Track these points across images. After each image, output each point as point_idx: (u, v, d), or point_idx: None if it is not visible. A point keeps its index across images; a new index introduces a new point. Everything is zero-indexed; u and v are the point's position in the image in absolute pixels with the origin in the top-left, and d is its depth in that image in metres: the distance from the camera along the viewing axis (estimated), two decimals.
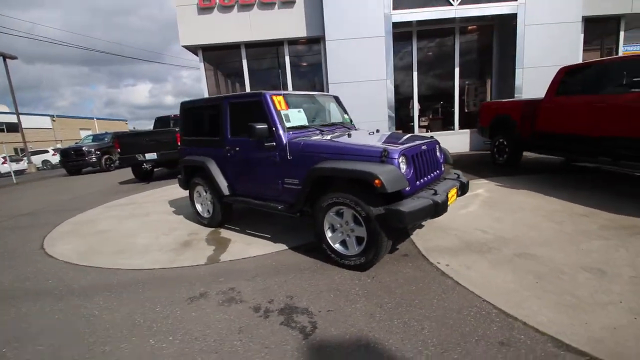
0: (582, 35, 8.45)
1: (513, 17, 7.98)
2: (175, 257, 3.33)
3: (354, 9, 7.84)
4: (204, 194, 4.21)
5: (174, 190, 7.04)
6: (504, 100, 7.03)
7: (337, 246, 2.83)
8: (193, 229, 4.20)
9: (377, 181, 2.39)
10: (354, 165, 2.61)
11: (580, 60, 8.34)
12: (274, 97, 3.34)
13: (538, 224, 3.41)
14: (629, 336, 1.74)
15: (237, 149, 3.62)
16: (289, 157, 3.14)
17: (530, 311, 2.01)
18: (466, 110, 9.33)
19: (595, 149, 4.51)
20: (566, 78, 5.16)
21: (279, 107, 3.32)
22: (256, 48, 8.91)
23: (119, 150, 8.20)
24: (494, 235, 3.22)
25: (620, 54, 8.86)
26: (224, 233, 3.97)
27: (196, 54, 8.89)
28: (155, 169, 8.93)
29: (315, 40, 8.82)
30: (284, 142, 3.17)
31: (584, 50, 8.78)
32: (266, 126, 3.18)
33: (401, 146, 2.72)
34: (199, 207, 4.34)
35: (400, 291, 2.37)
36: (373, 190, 2.51)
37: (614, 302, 2.04)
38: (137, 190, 7.50)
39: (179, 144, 7.60)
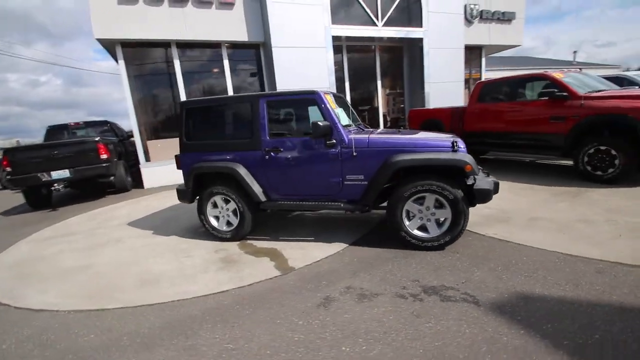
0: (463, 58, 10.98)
1: (420, 40, 9.74)
2: (236, 275, 2.93)
3: (298, 20, 8.07)
4: (223, 204, 3.74)
5: (119, 210, 5.76)
6: (431, 107, 8.52)
7: (415, 232, 3.10)
8: (216, 246, 3.67)
9: (468, 167, 2.82)
10: (437, 155, 2.95)
11: (463, 78, 10.81)
12: (327, 96, 3.35)
13: (513, 198, 4.46)
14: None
15: (281, 150, 3.42)
16: (354, 154, 3.22)
17: (580, 250, 2.75)
18: (388, 118, 10.76)
19: (509, 142, 6.13)
20: (483, 90, 6.76)
21: (332, 106, 3.35)
22: (191, 48, 8.08)
23: (8, 169, 6.04)
24: (497, 210, 4.05)
25: (484, 76, 11.94)
26: (258, 244, 3.65)
27: (113, 50, 7.41)
28: (56, 191, 6.91)
29: (255, 46, 8.63)
30: (347, 139, 3.23)
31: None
32: (329, 124, 3.18)
33: (456, 138, 3.21)
34: (213, 221, 3.81)
35: (492, 257, 2.82)
36: (452, 176, 2.92)
37: (615, 236, 3.00)
38: (51, 220, 5.74)
39: (104, 155, 6.34)
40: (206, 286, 2.77)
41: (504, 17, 11.63)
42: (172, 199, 6.24)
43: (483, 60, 12.05)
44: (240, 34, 8.07)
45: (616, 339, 1.74)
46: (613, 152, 4.66)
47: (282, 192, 3.57)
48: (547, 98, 5.47)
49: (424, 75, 9.92)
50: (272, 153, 3.46)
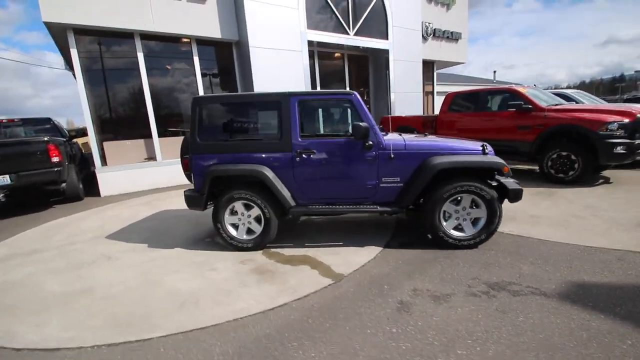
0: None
1: (386, 52, 10.25)
2: (283, 286, 2.69)
3: (275, 21, 7.86)
4: (244, 210, 3.43)
5: (85, 222, 4.90)
6: (404, 115, 8.97)
7: (452, 232, 3.21)
8: (237, 257, 3.33)
9: (505, 168, 3.03)
10: (474, 157, 3.11)
11: (422, 89, 11.65)
12: (360, 98, 3.31)
13: None
14: None
15: (314, 151, 3.26)
16: (391, 156, 3.22)
17: (591, 242, 3.14)
18: None
19: None
20: (454, 100, 7.36)
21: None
22: (157, 42, 7.30)
23: None
24: None
25: (436, 88, 13.03)
26: (285, 251, 3.41)
27: (62, 38, 6.32)
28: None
29: (227, 45, 8.16)
30: (384, 142, 3.23)
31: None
32: (368, 126, 3.14)
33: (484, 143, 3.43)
34: (231, 229, 3.46)
35: (525, 252, 3.05)
36: (486, 177, 3.12)
37: (608, 228, 3.48)
38: None
39: (55, 158, 5.39)
40: (257, 301, 2.48)
41: (452, 37, 12.89)
42: (147, 208, 5.57)
43: (435, 74, 13.15)
44: (213, 31, 7.59)
45: None
46: (573, 157, 5.44)
47: (312, 196, 3.40)
48: (514, 110, 6.17)
49: (390, 84, 10.44)
50: (303, 155, 3.28)
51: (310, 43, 8.83)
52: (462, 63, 13.75)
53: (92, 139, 6.68)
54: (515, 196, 3.10)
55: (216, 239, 3.92)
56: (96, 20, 6.29)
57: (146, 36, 7.05)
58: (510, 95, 6.42)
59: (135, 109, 7.34)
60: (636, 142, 5.13)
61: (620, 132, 5.14)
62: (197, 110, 3.40)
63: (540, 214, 4.06)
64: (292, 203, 3.34)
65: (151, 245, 3.83)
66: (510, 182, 3.19)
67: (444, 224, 3.20)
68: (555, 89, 15.89)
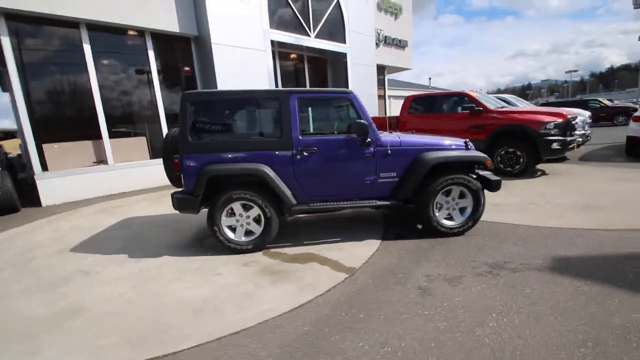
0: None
1: (344, 55, 10.59)
2: (301, 284, 2.68)
3: (238, 18, 7.63)
4: (242, 211, 3.30)
5: (37, 234, 4.25)
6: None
7: (444, 221, 3.48)
8: (237, 259, 3.21)
9: (488, 162, 3.39)
10: (462, 152, 3.42)
11: (376, 92, 12.24)
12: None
13: None
14: (608, 217, 3.75)
15: (314, 149, 3.28)
16: (388, 153, 3.39)
17: (554, 223, 3.65)
18: None
19: None
20: (413, 103, 7.91)
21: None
22: (107, 33, 6.57)
23: None
24: None
25: (388, 92, 13.78)
26: (287, 251, 3.38)
27: None
28: None
29: (186, 40, 7.69)
30: (382, 139, 3.38)
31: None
32: (367, 123, 3.26)
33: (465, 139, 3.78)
34: (228, 232, 3.30)
35: (506, 235, 3.44)
36: (471, 169, 3.47)
37: (562, 212, 4.09)
38: None
39: None
40: (281, 301, 2.43)
41: (400, 44, 13.79)
42: (107, 216, 5.03)
43: (386, 78, 13.91)
44: (169, 24, 7.11)
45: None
46: (518, 152, 6.24)
47: (312, 194, 3.42)
48: (468, 111, 6.85)
49: (348, 87, 10.79)
50: (304, 153, 3.28)
51: (272, 43, 8.75)
52: (409, 69, 14.79)
53: (29, 141, 5.78)
54: (497, 186, 3.48)
55: (204, 243, 3.72)
56: (34, 5, 5.48)
57: (94, 26, 6.33)
58: (463, 99, 7.12)
59: (81, 107, 6.53)
60: (568, 139, 6.08)
61: (555, 131, 6.04)
62: (188, 106, 3.19)
63: (501, 203, 4.58)
64: (294, 201, 3.32)
65: (132, 255, 3.48)
66: (489, 174, 3.58)
67: (437, 214, 3.46)
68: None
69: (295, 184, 3.33)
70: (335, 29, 10.22)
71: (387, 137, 3.45)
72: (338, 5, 10.09)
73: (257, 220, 3.35)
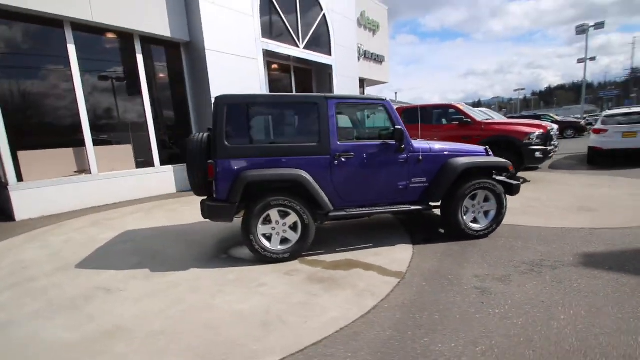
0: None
1: (329, 67, 10.79)
2: (357, 291, 2.62)
3: (231, 26, 7.50)
4: (278, 218, 3.19)
5: (23, 251, 3.77)
6: None
7: (471, 224, 3.62)
8: (274, 269, 3.07)
9: (510, 167, 3.60)
10: (482, 159, 3.61)
11: None
12: None
13: None
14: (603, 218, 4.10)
15: (352, 154, 3.28)
16: (419, 158, 3.48)
17: (560, 224, 3.96)
18: None
19: None
20: (404, 114, 8.23)
21: None
22: (93, 34, 6.11)
23: None
24: None
25: None
26: (324, 258, 3.30)
27: None
28: None
29: (175, 45, 7.39)
30: (415, 145, 3.47)
31: None
32: (404, 130, 3.34)
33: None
34: (264, 241, 3.17)
35: (525, 236, 3.64)
36: (493, 173, 3.67)
37: (560, 213, 4.44)
38: None
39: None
40: (346, 308, 2.36)
41: (378, 59, 14.35)
42: (101, 230, 4.64)
43: (366, 90, 14.34)
44: (161, 28, 6.81)
45: None
46: None
47: (348, 199, 3.39)
48: (457, 123, 7.27)
49: None
50: (342, 158, 3.27)
51: (263, 52, 8.69)
52: (386, 82, 15.40)
53: (2, 147, 5.15)
54: (517, 190, 3.70)
55: (231, 254, 3.53)
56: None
57: (79, 26, 5.88)
58: (452, 111, 7.55)
59: (63, 111, 5.97)
60: (548, 149, 6.64)
61: (537, 141, 6.58)
62: (224, 110, 3.05)
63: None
64: (331, 207, 3.27)
65: (154, 270, 3.19)
66: (509, 179, 3.80)
67: (464, 217, 3.59)
68: None
69: (332, 189, 3.30)
70: (322, 42, 10.41)
71: (418, 143, 3.55)
72: (324, 18, 10.32)
73: (292, 227, 3.25)
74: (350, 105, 3.42)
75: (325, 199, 3.22)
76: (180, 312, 2.41)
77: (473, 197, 3.61)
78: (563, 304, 2.27)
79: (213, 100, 6.62)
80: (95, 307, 2.54)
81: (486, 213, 3.69)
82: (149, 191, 6.93)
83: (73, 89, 5.86)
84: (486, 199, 3.65)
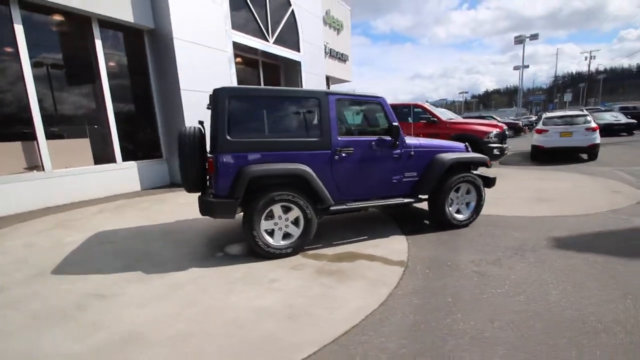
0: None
1: (298, 64, 10.76)
2: (369, 281, 2.72)
3: (200, 14, 7.13)
4: (281, 213, 3.17)
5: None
6: None
7: (455, 215, 3.91)
8: (280, 264, 3.06)
9: (489, 162, 3.95)
10: (466, 154, 3.92)
11: None
12: None
13: None
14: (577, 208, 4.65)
15: (352, 150, 3.36)
16: (411, 154, 3.68)
17: (527, 212, 4.46)
18: None
19: None
20: None
21: None
22: (45, 14, 5.41)
23: None
24: None
25: None
26: (325, 251, 3.35)
27: None
28: None
29: (138, 33, 6.84)
30: (407, 141, 3.65)
31: None
32: (399, 126, 3.50)
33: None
34: (267, 237, 3.12)
35: (503, 225, 4.02)
36: (473, 168, 4.01)
37: (527, 202, 4.97)
38: None
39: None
40: (364, 297, 2.44)
41: (342, 58, 14.62)
42: (69, 232, 4.24)
43: (331, 88, 14.53)
44: (122, 12, 6.28)
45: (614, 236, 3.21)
46: None
47: (347, 193, 3.47)
48: (425, 121, 7.73)
49: None
50: (342, 153, 3.34)
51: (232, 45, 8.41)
52: (350, 81, 15.74)
53: None
54: (493, 183, 4.07)
55: (228, 251, 3.42)
56: None
57: (28, 5, 5.19)
58: (419, 110, 7.99)
59: (9, 100, 5.24)
60: (504, 146, 7.35)
61: (495, 140, 7.25)
62: (225, 103, 2.94)
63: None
64: (332, 201, 3.32)
65: (148, 272, 2.99)
66: (484, 173, 4.16)
67: (449, 209, 3.87)
68: None
69: (333, 183, 3.35)
70: (291, 38, 10.34)
71: (409, 139, 3.73)
72: (293, 14, 10.25)
73: (294, 222, 3.25)
74: (348, 102, 3.50)
75: (327, 193, 3.26)
76: (199, 313, 2.30)
77: (457, 190, 3.90)
78: (551, 282, 2.58)
79: (182, 92, 6.24)
80: (94, 315, 2.32)
81: (467, 204, 4.01)
82: (110, 189, 6.37)
83: (22, 75, 5.17)
84: (468, 192, 3.96)
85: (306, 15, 10.77)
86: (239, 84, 9.39)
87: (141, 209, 5.34)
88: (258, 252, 3.12)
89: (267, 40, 9.34)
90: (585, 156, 9.47)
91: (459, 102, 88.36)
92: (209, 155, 2.98)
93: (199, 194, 3.40)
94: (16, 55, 5.12)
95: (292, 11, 10.17)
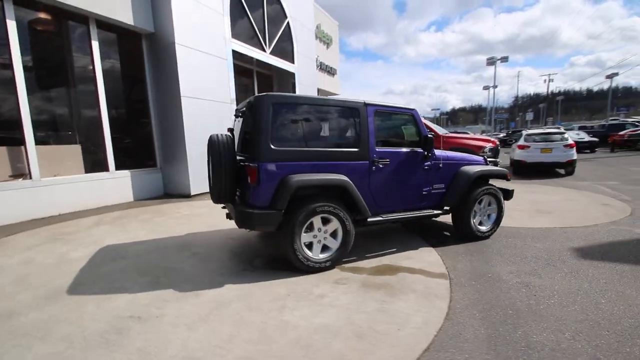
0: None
1: (292, 75, 10.76)
2: (419, 295, 2.67)
3: (202, 22, 6.97)
4: (321, 225, 3.07)
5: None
6: None
7: (479, 227, 3.99)
8: (323, 278, 2.94)
9: (508, 175, 4.08)
10: (489, 167, 4.04)
11: None
12: None
13: None
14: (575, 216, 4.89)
15: (388, 161, 3.35)
16: (440, 166, 3.73)
17: (536, 224, 4.65)
18: None
19: None
20: None
21: None
22: (40, 12, 5.02)
23: None
24: None
25: None
26: (362, 264, 3.27)
27: None
28: None
29: (136, 36, 6.54)
30: (437, 153, 3.70)
31: None
32: (433, 138, 3.54)
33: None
34: (307, 250, 3.00)
35: (519, 235, 4.15)
36: (488, 182, 4.14)
37: (528, 215, 5.18)
38: None
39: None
40: (424, 311, 2.38)
41: (331, 71, 14.84)
42: (68, 247, 3.94)
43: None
44: (122, 14, 6.00)
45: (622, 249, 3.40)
46: None
47: (382, 205, 3.43)
48: None
49: None
50: (379, 164, 3.32)
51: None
52: (338, 94, 15.94)
53: None
54: (511, 196, 4.21)
55: (256, 264, 3.26)
56: None
57: (21, 0, 4.81)
58: None
59: None
60: (497, 160, 7.69)
61: (489, 154, 7.57)
62: (269, 110, 2.84)
63: None
64: (370, 213, 3.27)
65: (180, 289, 2.76)
66: (504, 186, 4.30)
67: (474, 221, 3.94)
68: None
69: (369, 195, 3.31)
70: (286, 49, 10.36)
71: (438, 152, 3.79)
72: (288, 27, 10.31)
73: (332, 234, 3.16)
74: (384, 113, 3.50)
75: (365, 204, 3.21)
76: (256, 334, 2.13)
77: (480, 202, 3.98)
78: (594, 291, 2.66)
79: (183, 99, 6.06)
80: (139, 340, 2.08)
81: (489, 216, 4.10)
82: (102, 200, 5.92)
83: (12, 76, 4.74)
84: (489, 204, 4.06)
85: (300, 27, 10.87)
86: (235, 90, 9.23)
87: (142, 221, 4.99)
88: (297, 267, 2.98)
89: (265, 51, 9.29)
90: (562, 171, 10.12)
91: (429, 117, 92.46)
92: (250, 164, 2.83)
93: (217, 203, 3.27)
94: (7, 53, 4.70)
95: (288, 23, 10.23)
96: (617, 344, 1.98)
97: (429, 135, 3.49)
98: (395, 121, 3.71)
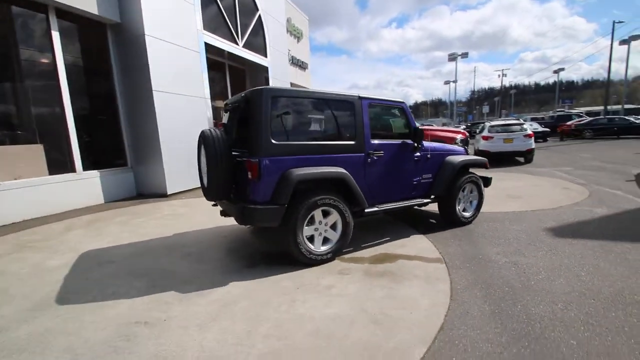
0: None
1: (265, 69, 10.57)
2: (425, 281, 2.79)
3: (171, 11, 6.62)
4: (321, 218, 3.10)
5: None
6: None
7: (463, 213, 4.22)
8: (325, 270, 2.97)
9: (487, 164, 4.35)
10: (471, 157, 4.27)
11: None
12: None
13: None
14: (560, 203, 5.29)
15: (382, 153, 3.43)
16: (428, 157, 3.89)
17: (509, 208, 5.01)
18: None
19: None
20: None
21: None
22: None
23: None
24: None
25: None
26: (360, 254, 3.34)
27: None
28: None
29: (100, 26, 6.07)
30: (425, 144, 3.85)
31: None
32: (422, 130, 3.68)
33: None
34: (309, 244, 3.02)
35: (499, 219, 4.45)
36: (472, 169, 4.39)
37: (500, 200, 5.57)
38: None
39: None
40: (430, 295, 2.50)
41: (302, 66, 14.77)
42: (41, 255, 3.78)
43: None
44: (85, 2, 5.55)
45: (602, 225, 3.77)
46: None
47: (377, 196, 3.52)
48: None
49: None
50: (374, 156, 3.39)
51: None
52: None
53: None
54: (489, 183, 4.49)
55: (257, 261, 3.22)
56: None
57: None
58: None
59: None
60: (466, 150, 8.13)
61: (461, 144, 7.98)
62: (268, 104, 2.80)
63: None
64: (367, 204, 3.34)
65: (182, 290, 2.66)
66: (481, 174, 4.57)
67: (459, 207, 4.16)
68: None
69: (365, 186, 3.37)
70: (259, 42, 10.14)
71: (426, 144, 3.94)
72: (260, 20, 10.08)
73: (332, 227, 3.19)
74: (378, 106, 3.57)
75: (363, 196, 3.27)
76: (274, 328, 2.12)
77: (463, 190, 4.21)
78: (574, 266, 2.93)
79: (155, 93, 5.80)
80: (151, 345, 1.99)
81: (471, 202, 4.35)
82: (70, 203, 5.50)
83: None
84: (471, 191, 4.31)
85: (272, 21, 10.68)
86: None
87: (120, 223, 4.70)
88: (300, 260, 2.99)
89: (237, 44, 9.03)
90: (522, 159, 10.91)
91: None
92: (251, 159, 2.77)
93: (205, 200, 3.15)
94: None
95: (260, 16, 10.00)
96: (603, 310, 2.21)
97: (420, 128, 3.62)
98: (387, 114, 3.81)
